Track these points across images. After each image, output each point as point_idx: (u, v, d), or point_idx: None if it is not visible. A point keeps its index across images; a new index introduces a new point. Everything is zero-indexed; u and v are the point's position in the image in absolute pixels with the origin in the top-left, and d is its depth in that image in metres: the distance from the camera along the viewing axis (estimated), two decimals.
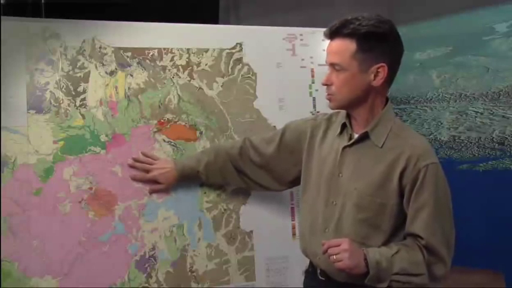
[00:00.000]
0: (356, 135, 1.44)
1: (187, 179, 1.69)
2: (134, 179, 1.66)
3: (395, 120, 1.46)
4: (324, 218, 1.46)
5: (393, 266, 1.33)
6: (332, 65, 1.40)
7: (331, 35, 1.40)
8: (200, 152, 1.72)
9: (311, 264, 1.56)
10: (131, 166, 1.65)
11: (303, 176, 1.57)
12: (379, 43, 1.36)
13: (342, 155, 1.45)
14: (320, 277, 1.49)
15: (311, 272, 1.55)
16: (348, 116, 1.47)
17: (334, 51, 1.39)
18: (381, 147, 1.40)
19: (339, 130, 1.48)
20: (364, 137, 1.42)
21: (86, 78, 1.65)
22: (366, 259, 1.32)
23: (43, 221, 1.57)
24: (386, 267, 1.32)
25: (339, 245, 1.34)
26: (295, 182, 1.65)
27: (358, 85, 1.38)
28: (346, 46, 1.36)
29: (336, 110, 1.53)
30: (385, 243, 1.39)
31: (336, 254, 1.33)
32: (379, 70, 1.37)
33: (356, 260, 1.32)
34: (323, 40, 1.49)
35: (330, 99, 1.44)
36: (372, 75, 1.37)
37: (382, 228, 1.39)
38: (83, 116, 1.63)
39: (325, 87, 1.43)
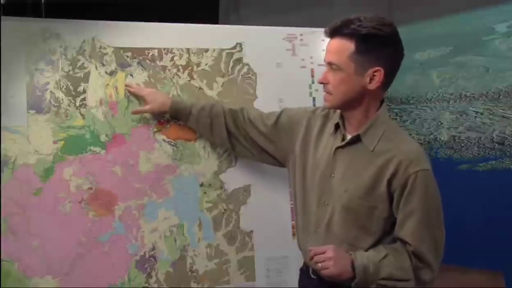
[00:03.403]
0: (349, 136, 1.43)
1: (178, 114, 1.67)
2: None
3: (389, 124, 1.44)
4: (316, 218, 1.47)
5: (380, 271, 1.33)
6: (329, 64, 1.39)
7: (332, 33, 1.38)
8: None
9: (304, 262, 1.56)
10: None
11: (297, 173, 1.56)
12: (378, 46, 1.34)
13: (334, 155, 1.44)
14: (312, 276, 1.49)
15: (304, 271, 1.56)
16: (342, 116, 1.46)
17: (333, 50, 1.38)
18: (372, 150, 1.39)
19: (332, 129, 1.48)
20: (357, 139, 1.41)
21: (86, 78, 1.65)
22: (353, 264, 1.33)
23: (43, 221, 1.57)
24: (373, 272, 1.33)
25: (324, 253, 1.34)
26: (280, 162, 1.64)
27: (352, 87, 1.37)
28: (344, 46, 1.35)
29: None
30: (374, 245, 1.39)
31: (321, 262, 1.33)
32: (375, 74, 1.34)
33: (342, 268, 1.33)
34: (323, 40, 1.49)
35: (326, 98, 1.43)
36: (368, 79, 1.35)
37: (371, 230, 1.39)
38: (83, 116, 1.63)
39: (322, 85, 1.43)
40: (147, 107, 1.66)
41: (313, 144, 1.52)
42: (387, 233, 1.40)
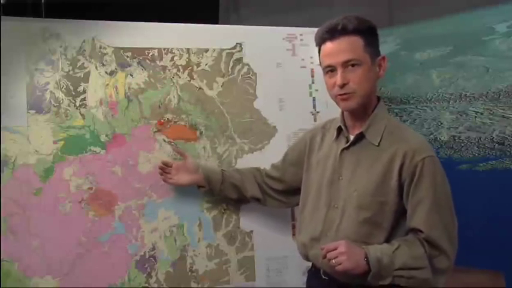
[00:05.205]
0: (352, 137, 1.45)
1: (210, 180, 1.69)
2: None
3: (390, 119, 1.47)
4: (326, 221, 1.46)
5: (394, 261, 1.32)
6: (346, 63, 1.38)
7: (336, 34, 1.39)
8: None
9: (313, 264, 1.55)
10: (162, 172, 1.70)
11: (303, 189, 1.58)
12: (375, 37, 1.42)
13: (340, 158, 1.45)
14: (323, 276, 1.49)
15: (314, 272, 1.55)
16: (343, 119, 1.48)
17: (346, 48, 1.38)
18: (378, 145, 1.40)
19: (335, 135, 1.50)
20: (360, 137, 1.43)
21: (86, 78, 1.65)
22: (366, 257, 1.32)
23: (43, 221, 1.57)
24: (388, 263, 1.32)
25: (336, 249, 1.34)
26: None
27: (373, 79, 1.42)
28: (356, 41, 1.38)
29: (330, 118, 1.57)
30: (387, 240, 1.39)
31: (334, 258, 1.33)
32: (381, 62, 1.43)
33: (355, 261, 1.32)
34: None
35: (347, 99, 1.39)
36: (377, 68, 1.42)
37: (383, 226, 1.39)
38: (83, 116, 1.64)
39: (335, 89, 1.40)
40: (194, 177, 1.68)
41: (315, 156, 1.56)
42: (398, 227, 1.40)
